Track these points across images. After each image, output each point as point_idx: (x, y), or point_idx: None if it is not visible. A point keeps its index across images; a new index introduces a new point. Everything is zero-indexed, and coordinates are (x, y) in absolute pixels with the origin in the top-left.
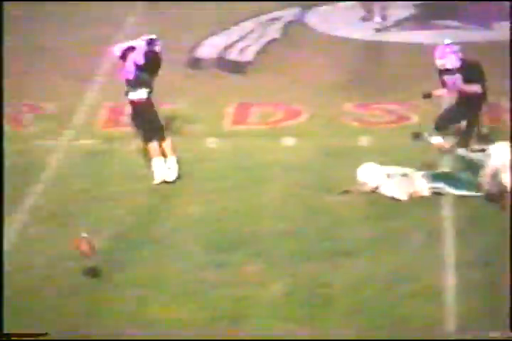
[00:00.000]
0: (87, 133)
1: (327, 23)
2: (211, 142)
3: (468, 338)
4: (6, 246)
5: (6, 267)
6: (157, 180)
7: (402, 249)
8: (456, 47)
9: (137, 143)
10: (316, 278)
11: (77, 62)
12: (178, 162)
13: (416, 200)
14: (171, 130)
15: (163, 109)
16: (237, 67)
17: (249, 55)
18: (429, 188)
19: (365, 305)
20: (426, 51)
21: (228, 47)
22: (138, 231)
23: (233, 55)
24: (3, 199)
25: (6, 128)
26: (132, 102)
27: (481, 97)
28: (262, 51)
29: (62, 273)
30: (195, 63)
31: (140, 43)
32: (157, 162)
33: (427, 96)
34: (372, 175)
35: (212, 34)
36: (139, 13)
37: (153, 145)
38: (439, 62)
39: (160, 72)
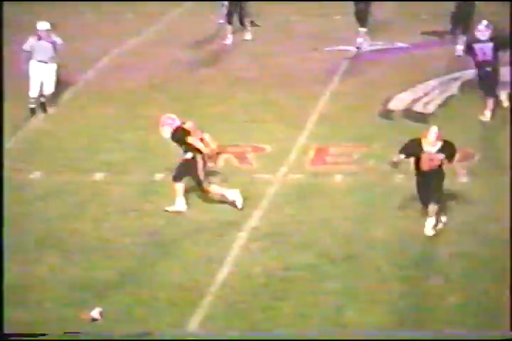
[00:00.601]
0: (297, 169)
1: None
2: (399, 178)
3: None
4: (229, 258)
5: (227, 275)
6: (169, 208)
7: None
8: (440, 134)
9: (339, 177)
10: (485, 293)
11: (293, 113)
12: (372, 194)
13: None
14: (366, 168)
15: (360, 150)
16: (421, 118)
17: (431, 108)
18: None
19: None
20: None
21: (415, 101)
22: (337, 249)
23: (418, 108)
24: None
25: (234, 162)
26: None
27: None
28: (443, 104)
29: (276, 281)
30: (387, 114)
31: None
32: (179, 200)
33: (394, 165)
34: None
35: (402, 91)
36: (342, 72)
37: (177, 186)
38: (431, 144)
39: (356, 121)
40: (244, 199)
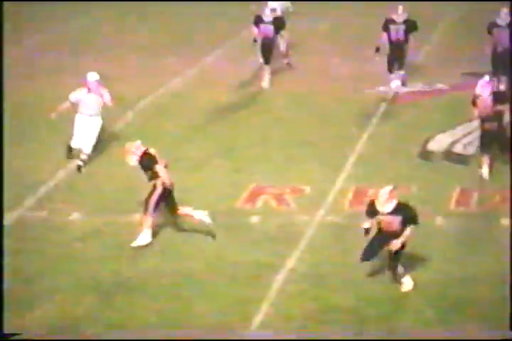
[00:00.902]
0: (336, 210)
1: None
2: (439, 220)
3: None
4: (266, 300)
5: (264, 317)
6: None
7: None
8: (394, 192)
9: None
10: None
11: (331, 154)
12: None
13: None
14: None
15: (399, 192)
16: (461, 159)
17: (471, 150)
18: None
19: None
20: None
21: (454, 142)
22: (376, 292)
23: (458, 149)
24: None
25: (272, 204)
26: None
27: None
28: None
29: (314, 323)
30: (427, 155)
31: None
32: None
33: (366, 231)
34: None
35: (441, 132)
36: (380, 114)
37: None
38: (383, 204)
39: (395, 162)
40: (282, 240)
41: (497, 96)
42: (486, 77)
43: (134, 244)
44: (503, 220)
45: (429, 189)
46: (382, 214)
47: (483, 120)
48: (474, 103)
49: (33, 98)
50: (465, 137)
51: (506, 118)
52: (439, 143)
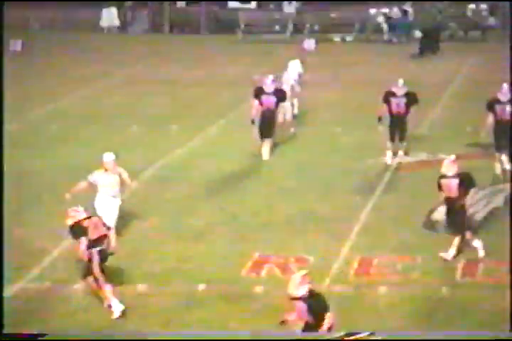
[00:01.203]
0: (340, 280)
1: None
2: (444, 291)
3: None
4: None
5: None
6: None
7: None
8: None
9: (383, 289)
10: None
11: (335, 224)
12: (418, 307)
13: None
14: (410, 279)
15: (404, 261)
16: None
17: (476, 220)
18: None
19: None
20: None
21: None
22: None
23: None
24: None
25: (277, 273)
26: None
27: None
28: (488, 217)
29: None
30: (431, 225)
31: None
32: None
33: (283, 323)
34: None
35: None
36: (384, 183)
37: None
38: (296, 287)
39: (399, 232)
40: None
41: (463, 179)
42: (452, 157)
43: (115, 315)
44: (509, 291)
45: (434, 259)
46: (293, 298)
47: (448, 202)
48: (439, 186)
49: (34, 166)
50: (470, 207)
51: (468, 199)
52: (443, 212)
